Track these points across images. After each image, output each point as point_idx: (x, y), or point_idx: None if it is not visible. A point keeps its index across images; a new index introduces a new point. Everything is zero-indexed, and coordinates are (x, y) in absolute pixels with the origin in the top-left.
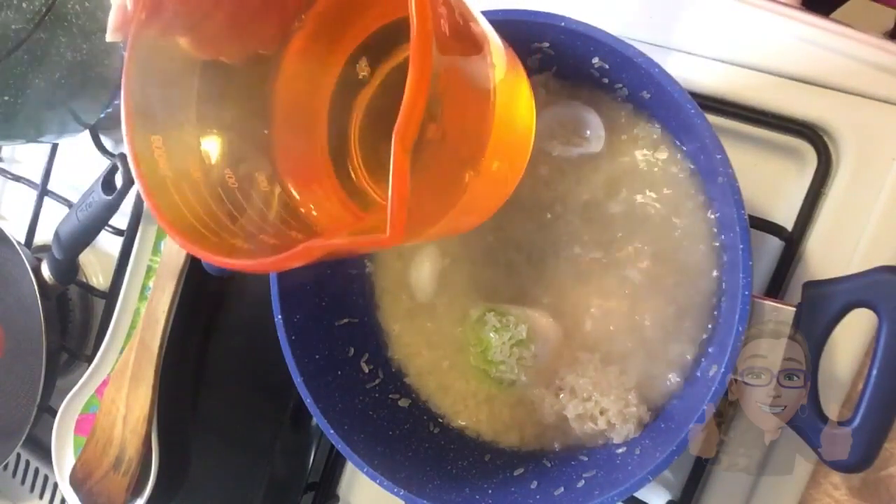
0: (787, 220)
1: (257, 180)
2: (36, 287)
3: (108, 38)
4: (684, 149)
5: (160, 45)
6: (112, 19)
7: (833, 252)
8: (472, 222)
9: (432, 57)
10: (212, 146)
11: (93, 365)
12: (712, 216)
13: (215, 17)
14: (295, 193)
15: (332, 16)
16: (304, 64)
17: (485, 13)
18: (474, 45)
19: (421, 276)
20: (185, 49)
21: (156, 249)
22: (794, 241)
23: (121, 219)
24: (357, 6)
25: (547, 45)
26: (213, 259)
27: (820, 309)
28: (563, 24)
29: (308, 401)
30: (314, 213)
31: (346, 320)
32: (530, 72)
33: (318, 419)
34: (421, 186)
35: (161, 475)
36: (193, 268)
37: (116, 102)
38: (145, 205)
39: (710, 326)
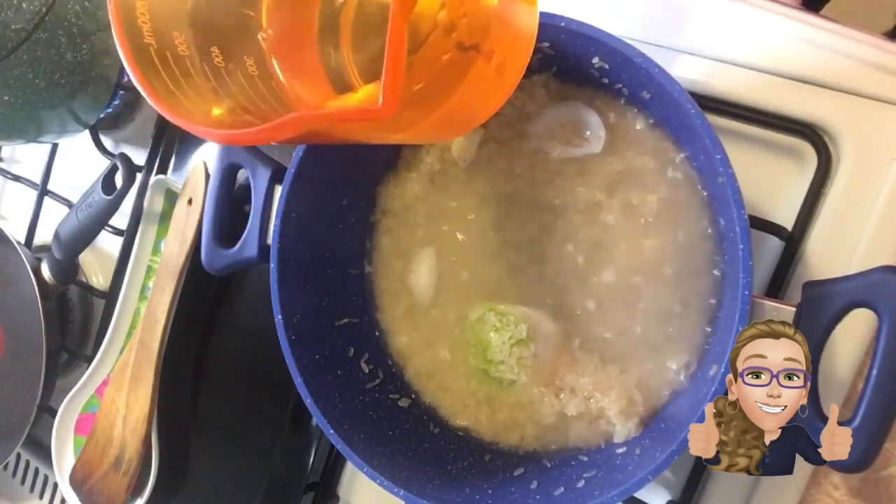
0: (787, 220)
1: (245, 59)
2: (36, 287)
3: None
4: (684, 149)
5: None
6: None
7: (833, 252)
8: (466, 124)
9: None
10: (200, 18)
11: (93, 365)
12: (712, 216)
13: None
14: (282, 77)
15: None
16: None
17: None
18: None
19: (420, 277)
20: None
21: (156, 249)
22: (794, 241)
23: (121, 219)
24: None
25: (547, 44)
26: (200, 130)
27: (820, 309)
28: (563, 24)
29: (308, 401)
30: (301, 99)
31: (346, 320)
32: (530, 72)
33: (318, 419)
34: (418, 67)
35: (161, 475)
36: (193, 268)
37: (116, 102)
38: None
39: (710, 326)
